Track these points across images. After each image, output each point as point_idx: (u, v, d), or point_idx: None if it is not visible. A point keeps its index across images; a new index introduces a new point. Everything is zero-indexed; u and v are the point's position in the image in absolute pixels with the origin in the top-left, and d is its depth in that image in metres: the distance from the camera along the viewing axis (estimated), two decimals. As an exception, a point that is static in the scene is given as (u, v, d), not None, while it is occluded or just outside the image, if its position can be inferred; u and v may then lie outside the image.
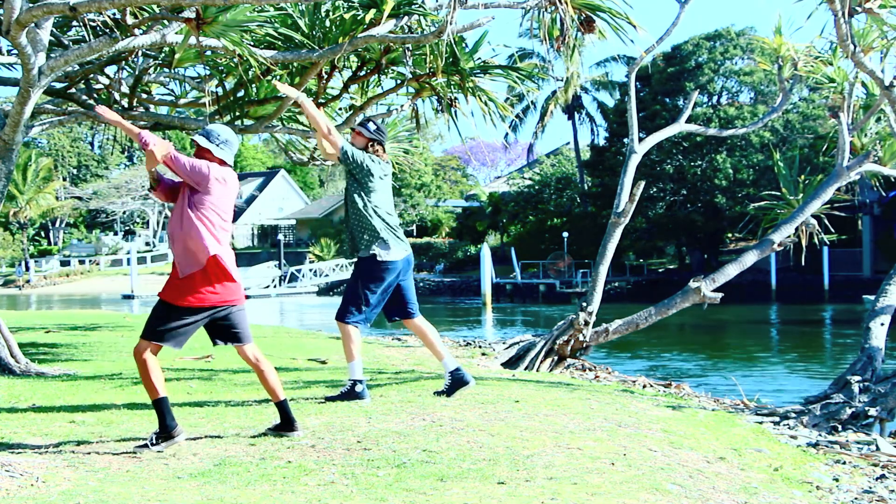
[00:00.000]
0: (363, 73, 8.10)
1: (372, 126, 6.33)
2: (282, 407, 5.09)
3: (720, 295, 9.97)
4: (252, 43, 6.82)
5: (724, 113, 40.61)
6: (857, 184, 10.85)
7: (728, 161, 40.56)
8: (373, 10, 6.87)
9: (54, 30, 6.93)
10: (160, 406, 4.81)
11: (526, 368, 10.06)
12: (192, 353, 9.19)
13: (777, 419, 7.38)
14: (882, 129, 10.58)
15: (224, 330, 5.01)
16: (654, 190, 41.26)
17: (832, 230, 11.00)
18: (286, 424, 5.09)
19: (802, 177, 11.17)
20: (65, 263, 67.24)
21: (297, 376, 7.82)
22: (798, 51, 10.78)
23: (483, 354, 11.04)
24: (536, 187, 52.83)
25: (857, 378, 7.49)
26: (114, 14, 6.06)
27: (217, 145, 4.99)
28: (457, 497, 3.96)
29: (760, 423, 7.12)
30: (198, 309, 4.85)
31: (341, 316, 6.26)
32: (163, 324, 4.84)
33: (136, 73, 8.05)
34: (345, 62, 8.07)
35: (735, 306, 29.85)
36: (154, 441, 4.76)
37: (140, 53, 7.74)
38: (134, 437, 5.10)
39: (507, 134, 51.91)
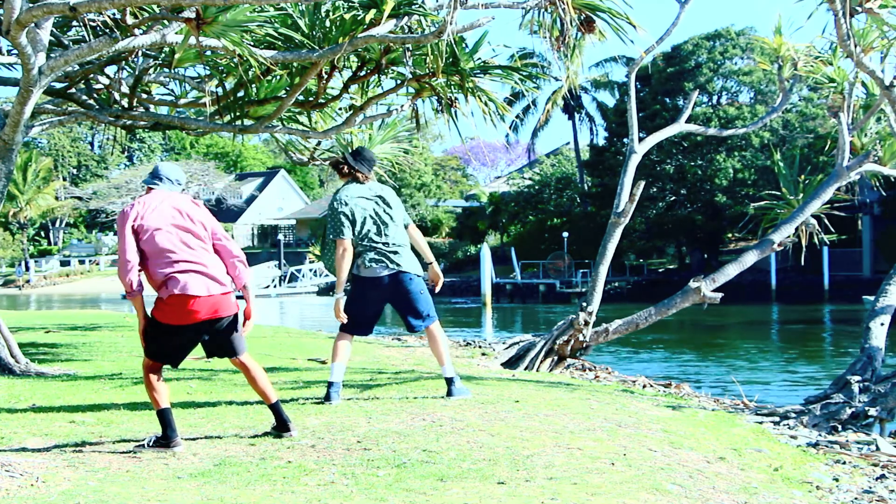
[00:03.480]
0: (363, 73, 8.09)
1: None
2: (275, 408, 5.10)
3: (720, 295, 9.96)
4: (252, 43, 6.81)
5: (724, 113, 40.61)
6: (857, 184, 10.83)
7: (728, 161, 40.55)
8: (373, 11, 6.86)
9: (54, 30, 6.92)
10: (161, 416, 4.84)
11: (526, 368, 10.05)
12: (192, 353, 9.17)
13: (777, 419, 7.38)
14: (882, 129, 10.57)
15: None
16: (654, 190, 41.23)
17: (832, 230, 10.98)
18: (280, 425, 5.10)
19: (802, 177, 11.15)
20: (65, 263, 67.22)
21: (297, 376, 7.82)
22: (798, 51, 10.77)
23: (483, 354, 11.03)
24: (536, 187, 52.80)
25: (857, 378, 7.48)
26: (114, 14, 6.06)
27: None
28: (457, 497, 3.96)
29: (760, 423, 7.12)
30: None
31: None
32: None
33: (136, 73, 8.05)
34: (345, 62, 8.06)
35: (735, 306, 29.82)
36: (151, 443, 4.79)
37: (140, 53, 7.73)
38: (134, 437, 5.11)
39: (507, 134, 51.93)
